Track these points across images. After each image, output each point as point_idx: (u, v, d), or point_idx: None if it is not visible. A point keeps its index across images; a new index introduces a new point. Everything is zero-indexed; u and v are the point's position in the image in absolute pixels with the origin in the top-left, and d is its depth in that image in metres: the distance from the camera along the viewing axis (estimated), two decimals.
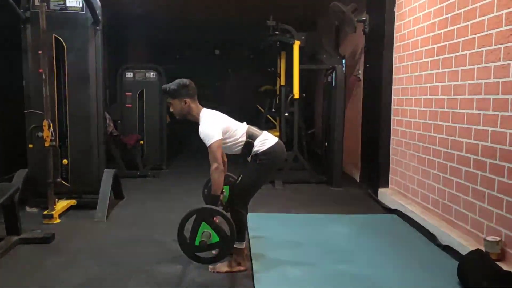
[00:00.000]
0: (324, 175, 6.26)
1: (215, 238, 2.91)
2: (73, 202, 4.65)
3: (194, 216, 2.94)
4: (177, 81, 3.13)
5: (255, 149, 3.07)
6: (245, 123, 3.22)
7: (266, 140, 3.11)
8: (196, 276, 3.07)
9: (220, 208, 3.02)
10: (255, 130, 3.17)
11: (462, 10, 3.63)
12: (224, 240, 2.92)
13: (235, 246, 3.12)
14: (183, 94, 3.09)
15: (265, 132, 3.21)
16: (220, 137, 2.98)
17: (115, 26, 8.16)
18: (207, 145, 2.95)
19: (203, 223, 2.89)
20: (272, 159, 3.10)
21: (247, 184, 3.12)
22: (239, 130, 3.11)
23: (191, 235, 2.91)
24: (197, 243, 2.91)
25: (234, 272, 3.12)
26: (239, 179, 3.14)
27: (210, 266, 3.14)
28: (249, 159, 3.16)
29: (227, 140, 3.06)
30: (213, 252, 3.08)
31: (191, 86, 3.13)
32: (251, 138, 3.09)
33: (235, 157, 3.23)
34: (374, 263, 3.34)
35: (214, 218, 2.96)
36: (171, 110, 3.18)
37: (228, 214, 3.04)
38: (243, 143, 3.09)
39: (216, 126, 3.00)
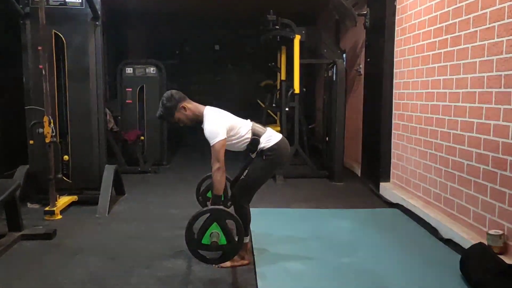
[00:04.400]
0: (325, 170, 6.25)
1: (223, 241, 2.91)
2: (74, 198, 4.65)
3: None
4: (161, 102, 3.12)
5: (261, 145, 3.08)
6: (249, 120, 3.22)
7: (271, 137, 3.12)
8: (199, 271, 3.07)
9: (232, 211, 3.00)
10: (259, 127, 3.18)
11: (464, 3, 3.61)
12: (231, 244, 2.92)
13: None
14: (176, 104, 3.08)
15: (269, 129, 3.22)
16: (225, 136, 2.97)
17: (114, 21, 8.13)
18: (211, 144, 2.95)
19: (215, 223, 2.88)
20: (278, 155, 3.11)
21: (253, 180, 3.13)
22: (243, 127, 3.11)
23: (199, 232, 2.89)
24: (204, 241, 2.89)
25: (238, 266, 3.12)
26: (245, 174, 3.14)
27: None
28: (253, 155, 3.16)
29: (232, 138, 3.06)
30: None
31: (175, 93, 3.12)
32: (256, 135, 3.10)
33: (235, 153, 3.22)
34: (376, 257, 3.34)
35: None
36: (181, 125, 3.16)
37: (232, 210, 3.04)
38: (248, 140, 3.09)
39: (220, 125, 2.99)
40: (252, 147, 3.10)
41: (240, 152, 3.21)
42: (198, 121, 3.10)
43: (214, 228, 2.89)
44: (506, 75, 3.07)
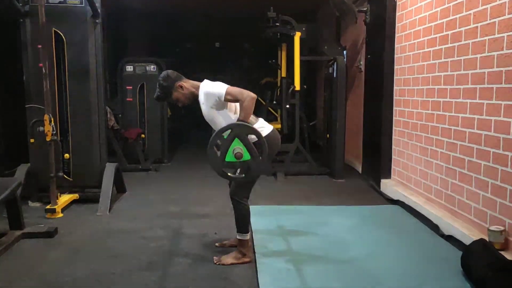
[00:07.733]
0: (326, 167, 6.25)
1: (246, 156, 2.84)
2: (75, 196, 4.65)
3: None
4: (158, 83, 3.12)
5: (251, 136, 3.04)
6: None
7: (263, 128, 3.08)
8: (201, 268, 3.07)
9: (255, 128, 2.92)
10: (252, 116, 3.12)
11: None
12: (254, 159, 2.85)
13: (239, 238, 3.14)
14: (172, 83, 3.09)
15: (261, 119, 3.18)
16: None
17: (114, 19, 8.12)
18: (223, 94, 2.90)
19: (236, 139, 2.82)
20: (268, 147, 3.06)
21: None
22: (238, 109, 3.03)
23: (222, 150, 2.84)
24: (228, 159, 2.84)
25: (239, 263, 3.12)
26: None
27: (215, 258, 3.17)
28: None
29: (230, 113, 3.02)
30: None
31: (171, 73, 3.14)
32: None
33: None
34: (377, 254, 3.34)
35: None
36: (180, 105, 3.16)
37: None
38: None
39: (220, 83, 3.01)
40: None
41: None
42: (196, 97, 3.10)
43: (236, 144, 2.83)
44: (507, 71, 3.06)
